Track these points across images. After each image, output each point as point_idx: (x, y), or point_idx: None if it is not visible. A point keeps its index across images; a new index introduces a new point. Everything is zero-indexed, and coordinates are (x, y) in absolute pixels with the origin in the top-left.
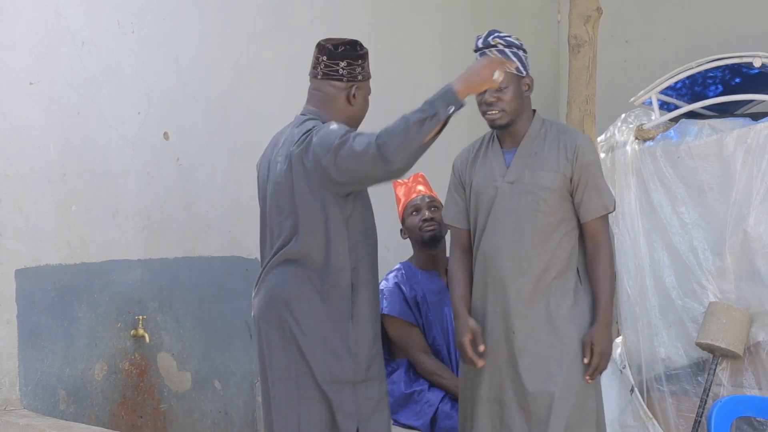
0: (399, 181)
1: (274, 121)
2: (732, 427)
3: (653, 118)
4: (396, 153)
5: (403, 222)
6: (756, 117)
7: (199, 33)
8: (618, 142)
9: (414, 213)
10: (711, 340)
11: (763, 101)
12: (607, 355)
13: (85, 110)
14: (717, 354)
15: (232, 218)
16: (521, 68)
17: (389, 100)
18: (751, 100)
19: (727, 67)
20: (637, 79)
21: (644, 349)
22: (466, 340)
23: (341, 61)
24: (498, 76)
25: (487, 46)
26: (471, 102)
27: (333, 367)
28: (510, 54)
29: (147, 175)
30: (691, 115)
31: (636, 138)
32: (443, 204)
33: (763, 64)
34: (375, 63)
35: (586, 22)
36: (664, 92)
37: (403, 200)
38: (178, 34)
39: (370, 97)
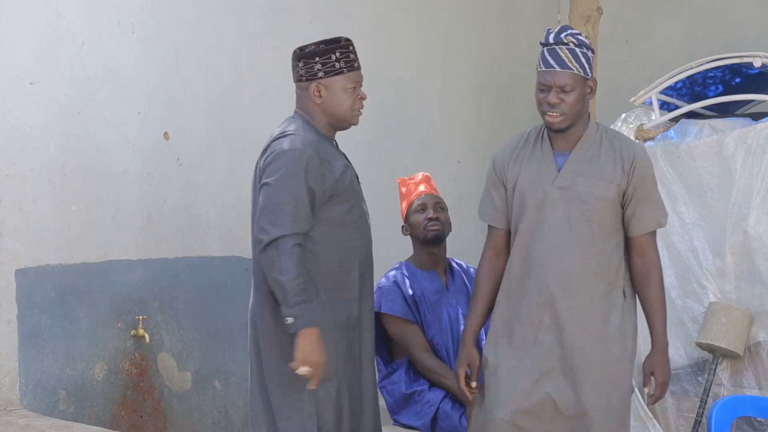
0: (406, 178)
1: (274, 121)
2: (732, 427)
3: (653, 118)
4: (265, 261)
5: (406, 218)
6: (756, 117)
7: (199, 33)
8: None
9: (420, 210)
10: (711, 340)
11: (763, 101)
12: (668, 383)
13: (85, 110)
14: (717, 354)
15: (233, 218)
16: (588, 70)
17: (389, 100)
18: (751, 100)
19: (727, 67)
20: (637, 79)
21: (645, 349)
22: (461, 372)
23: (299, 61)
24: (305, 371)
25: (559, 42)
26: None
27: (290, 372)
28: (579, 54)
29: (147, 175)
30: (691, 115)
31: (636, 138)
32: (481, 201)
33: (763, 64)
34: (375, 63)
35: (586, 22)
36: (664, 92)
37: (409, 196)
38: (178, 34)
39: (372, 96)
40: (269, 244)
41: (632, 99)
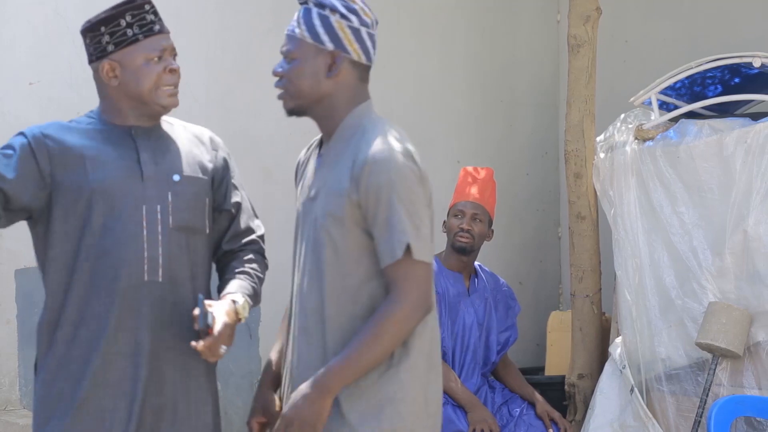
0: (470, 169)
1: (274, 121)
2: (732, 427)
3: (653, 118)
4: None
5: (447, 215)
6: (756, 117)
7: (199, 33)
8: (617, 143)
9: (456, 216)
10: (711, 340)
11: (763, 101)
12: (295, 423)
13: (85, 110)
14: (717, 354)
15: None
16: (325, 37)
17: (388, 100)
18: (751, 100)
19: (726, 67)
20: (637, 79)
21: (644, 349)
22: (254, 423)
23: (86, 38)
24: None
25: (301, 1)
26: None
27: None
28: (315, 14)
29: None
30: (691, 115)
31: (636, 138)
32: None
33: (762, 64)
34: (375, 63)
35: (585, 22)
36: (663, 92)
37: (454, 197)
38: (178, 34)
39: (371, 96)
40: None
41: (632, 99)
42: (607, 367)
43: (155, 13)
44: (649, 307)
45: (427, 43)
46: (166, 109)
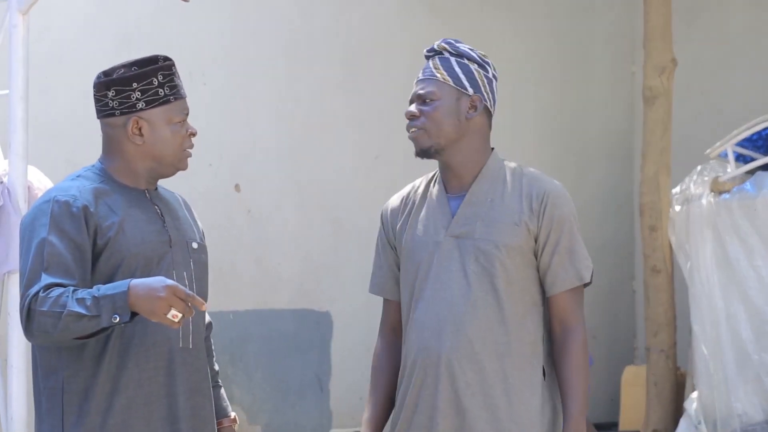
0: None
1: (346, 173)
2: None
3: (729, 170)
4: (36, 329)
5: None
6: None
7: (271, 85)
8: (693, 195)
9: None
10: None
11: None
12: None
13: None
14: None
15: (303, 270)
16: (465, 83)
17: None
18: None
19: None
20: (713, 131)
21: (720, 405)
22: None
23: (108, 90)
24: (174, 314)
25: (432, 51)
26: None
27: None
28: (454, 63)
29: (218, 227)
30: None
31: (711, 190)
32: (372, 270)
33: None
34: None
35: (660, 74)
36: (740, 144)
37: None
38: (250, 86)
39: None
40: (26, 314)
41: (708, 151)
42: (683, 422)
43: (179, 76)
44: (726, 361)
45: (498, 95)
46: (176, 172)
